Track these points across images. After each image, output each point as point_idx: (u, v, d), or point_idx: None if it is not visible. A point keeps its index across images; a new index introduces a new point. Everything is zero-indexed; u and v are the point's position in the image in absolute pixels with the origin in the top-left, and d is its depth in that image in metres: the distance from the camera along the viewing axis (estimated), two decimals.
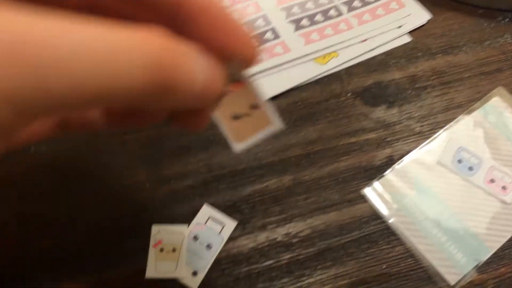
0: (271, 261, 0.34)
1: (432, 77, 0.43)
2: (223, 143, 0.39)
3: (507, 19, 0.48)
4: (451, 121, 0.41)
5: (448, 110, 0.41)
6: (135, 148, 0.38)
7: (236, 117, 0.19)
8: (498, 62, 0.45)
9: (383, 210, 0.36)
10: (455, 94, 0.42)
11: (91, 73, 0.12)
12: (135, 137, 0.38)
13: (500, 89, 0.42)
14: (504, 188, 0.37)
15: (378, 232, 0.35)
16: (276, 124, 0.19)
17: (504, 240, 0.35)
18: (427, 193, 0.37)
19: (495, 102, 0.42)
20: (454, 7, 0.48)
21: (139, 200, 0.35)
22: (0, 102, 0.11)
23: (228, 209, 0.35)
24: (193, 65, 0.15)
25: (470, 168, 0.38)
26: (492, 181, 0.37)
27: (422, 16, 0.47)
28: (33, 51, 0.11)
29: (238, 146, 0.19)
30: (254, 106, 0.19)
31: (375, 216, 0.36)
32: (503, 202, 0.37)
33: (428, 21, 0.47)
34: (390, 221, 0.35)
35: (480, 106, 0.41)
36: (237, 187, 0.37)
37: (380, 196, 0.36)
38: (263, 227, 0.35)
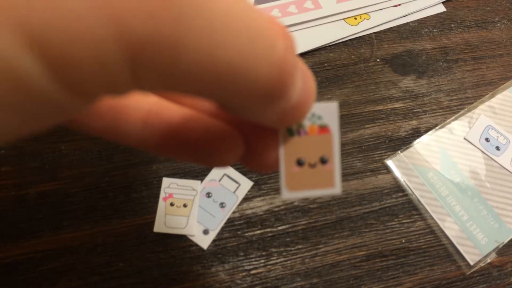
0: (286, 226, 0.32)
1: (465, 51, 0.41)
2: None
3: None
4: (481, 98, 0.39)
5: (479, 86, 0.40)
6: None
7: (300, 163, 0.17)
8: None
9: (406, 182, 0.34)
10: (486, 70, 0.40)
11: (242, 50, 0.10)
12: None
13: None
14: None
15: (400, 205, 0.34)
16: (337, 188, 0.17)
17: None
18: (452, 169, 0.35)
19: None
20: None
21: None
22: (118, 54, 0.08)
23: (244, 168, 0.33)
24: (299, 74, 0.12)
25: (497, 148, 0.36)
26: None
27: None
28: None
29: (287, 194, 0.16)
30: (324, 160, 0.17)
31: (397, 188, 0.34)
32: None
33: None
34: (412, 194, 0.34)
35: (511, 85, 0.40)
36: None
37: (404, 168, 0.35)
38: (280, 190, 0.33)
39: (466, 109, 0.38)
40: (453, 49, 0.41)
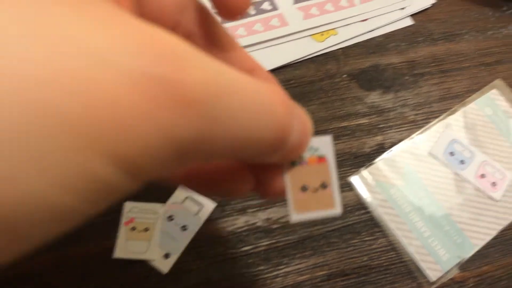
0: (249, 247, 0.32)
1: (432, 64, 0.41)
2: None
3: (511, 10, 0.46)
4: (447, 111, 0.39)
5: (445, 99, 0.40)
6: None
7: (304, 189, 0.20)
8: (499, 53, 0.43)
9: (369, 199, 0.35)
10: (453, 83, 0.41)
11: (249, 124, 0.13)
12: None
13: (499, 82, 0.41)
14: (494, 184, 0.36)
15: (362, 222, 0.34)
16: (337, 209, 0.20)
17: (489, 238, 0.34)
18: (416, 185, 0.35)
19: (493, 95, 0.40)
20: None
21: None
22: (163, 140, 0.11)
23: None
24: (296, 122, 0.15)
25: (462, 162, 0.37)
26: (482, 176, 0.36)
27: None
28: (213, 95, 0.11)
29: (296, 216, 0.19)
30: (324, 185, 0.20)
31: (360, 205, 0.35)
32: (492, 198, 0.36)
33: (432, 5, 0.44)
34: (375, 211, 0.34)
35: (477, 98, 0.40)
36: None
37: (367, 185, 0.35)
38: (243, 211, 0.33)
39: (431, 123, 0.38)
40: (420, 62, 0.41)
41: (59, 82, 0.09)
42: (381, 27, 0.42)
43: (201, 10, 0.19)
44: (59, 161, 0.09)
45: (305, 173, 0.20)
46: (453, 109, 0.39)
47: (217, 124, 0.11)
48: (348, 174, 0.36)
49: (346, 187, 0.35)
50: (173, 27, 0.18)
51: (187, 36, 0.18)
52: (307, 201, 0.20)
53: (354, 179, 0.35)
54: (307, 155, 0.20)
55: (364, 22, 0.42)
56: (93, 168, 0.10)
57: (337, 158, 0.36)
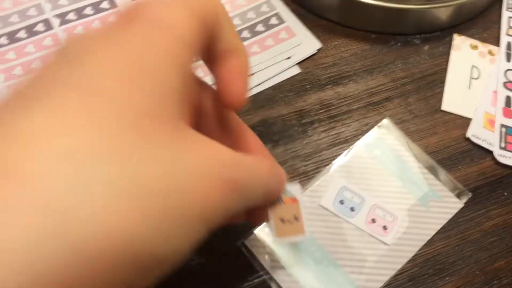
0: None
1: (320, 111, 0.42)
2: None
3: (399, 43, 0.47)
4: (337, 158, 0.40)
5: (334, 145, 0.41)
6: None
7: (282, 220, 0.28)
8: (387, 91, 0.44)
9: (260, 262, 0.35)
10: (342, 128, 0.42)
11: (255, 190, 0.22)
12: None
13: (387, 121, 0.42)
14: (385, 228, 0.37)
15: (256, 287, 0.34)
16: (306, 234, 0.28)
17: (380, 285, 0.35)
18: (307, 240, 0.36)
19: (381, 135, 0.41)
20: (346, 34, 0.47)
21: None
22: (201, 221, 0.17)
23: None
24: (274, 177, 0.25)
25: (352, 209, 0.37)
26: (373, 221, 0.37)
27: (312, 45, 0.45)
28: (242, 178, 0.19)
29: (278, 239, 0.28)
30: (296, 218, 0.29)
31: (251, 269, 0.35)
32: (384, 243, 0.36)
33: (318, 50, 0.45)
34: (267, 274, 0.34)
35: (366, 140, 0.41)
36: None
37: (258, 246, 0.35)
38: None
39: (321, 173, 0.39)
40: (309, 110, 0.42)
41: (179, 190, 0.16)
42: (268, 79, 0.43)
43: (215, 97, 0.24)
44: (187, 229, 0.17)
45: (283, 209, 0.28)
46: (343, 154, 0.40)
47: (247, 193, 0.20)
48: (241, 238, 0.36)
49: (239, 253, 0.35)
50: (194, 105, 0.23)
51: (202, 115, 0.24)
52: (285, 229, 0.28)
53: (244, 243, 0.35)
54: (284, 196, 0.28)
55: (251, 77, 0.43)
56: (199, 230, 0.17)
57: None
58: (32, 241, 0.12)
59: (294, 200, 0.29)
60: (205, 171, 0.17)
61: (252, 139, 0.27)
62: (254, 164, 0.21)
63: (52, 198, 0.12)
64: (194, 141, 0.18)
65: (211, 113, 0.25)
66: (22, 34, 0.42)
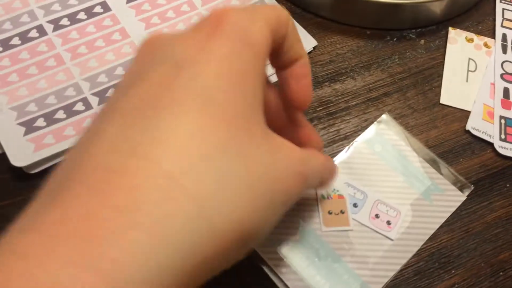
0: None
1: (319, 108, 0.42)
2: None
3: (395, 39, 0.47)
4: (337, 155, 0.39)
5: (334, 142, 0.40)
6: None
7: (330, 213, 0.35)
8: (386, 86, 0.44)
9: (265, 260, 0.34)
10: (341, 124, 0.41)
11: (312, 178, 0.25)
12: None
13: (386, 116, 0.42)
14: (388, 223, 0.36)
15: (258, 286, 0.34)
16: (351, 226, 0.35)
17: (387, 280, 0.34)
18: (311, 237, 0.35)
19: (381, 130, 0.41)
20: (341, 30, 0.47)
21: None
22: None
23: None
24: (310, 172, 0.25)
25: (355, 205, 0.37)
26: (377, 216, 0.37)
27: (307, 43, 0.45)
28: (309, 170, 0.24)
29: (325, 228, 0.34)
30: (343, 212, 0.36)
31: (255, 267, 0.34)
32: (388, 238, 0.36)
33: (315, 48, 0.45)
34: (271, 272, 0.34)
35: (366, 136, 0.40)
36: None
37: (262, 245, 0.35)
38: None
39: None
40: (308, 108, 0.42)
41: (275, 184, 0.20)
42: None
43: (279, 95, 0.28)
44: (277, 212, 0.22)
45: (330, 204, 0.36)
46: (343, 151, 0.40)
47: (309, 183, 0.24)
48: None
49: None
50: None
51: (268, 112, 0.25)
52: (331, 220, 0.35)
53: None
54: (331, 193, 0.36)
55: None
56: (282, 213, 0.22)
57: None
58: (188, 221, 0.16)
59: (341, 196, 0.36)
60: (290, 169, 0.21)
61: (312, 134, 0.30)
62: (315, 159, 0.25)
63: (201, 190, 0.16)
64: (278, 143, 0.22)
65: (276, 110, 0.28)
66: (15, 41, 0.41)
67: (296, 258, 0.35)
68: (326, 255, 0.35)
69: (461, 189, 0.38)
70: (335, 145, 0.40)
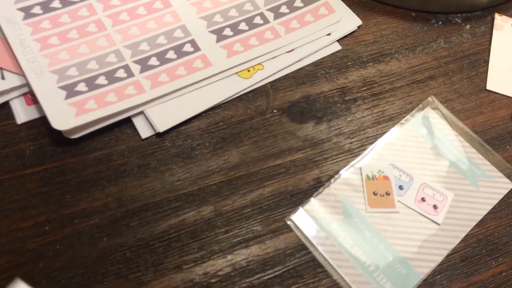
0: None
1: (363, 88, 0.41)
2: (135, 174, 0.35)
3: (440, 22, 0.46)
4: (382, 135, 0.38)
5: (379, 123, 0.39)
6: (33, 186, 0.34)
7: (375, 194, 0.35)
8: (431, 69, 0.43)
9: (309, 239, 0.33)
10: (386, 105, 0.40)
11: None
12: (33, 172, 0.34)
13: (432, 99, 0.41)
14: (435, 207, 0.35)
15: (304, 264, 0.33)
16: (396, 209, 0.34)
17: (434, 264, 0.33)
18: (356, 217, 0.34)
19: (427, 113, 0.40)
20: (386, 11, 0.46)
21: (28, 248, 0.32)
22: None
23: (140, 250, 0.32)
24: None
25: (401, 187, 0.36)
26: (423, 199, 0.36)
27: (352, 22, 0.44)
28: None
29: (370, 209, 0.34)
30: (388, 194, 0.35)
31: (301, 246, 0.33)
32: (435, 222, 0.35)
33: (359, 27, 0.44)
34: (316, 251, 0.33)
35: (411, 118, 0.39)
36: (151, 223, 0.33)
37: (306, 223, 0.34)
38: (178, 268, 0.32)
39: (367, 150, 0.38)
40: (351, 88, 0.41)
41: None
42: (309, 55, 0.42)
43: None
44: None
45: (376, 185, 0.35)
46: (388, 132, 0.39)
47: None
48: (285, 214, 0.34)
49: (285, 228, 0.34)
50: None
51: None
52: (376, 201, 0.35)
53: (292, 219, 0.34)
54: (376, 174, 0.36)
55: (291, 53, 0.42)
56: None
57: (273, 199, 0.35)
58: None
59: (386, 178, 0.35)
60: None
61: None
62: None
63: None
64: None
65: None
66: (56, 4, 0.40)
67: (340, 238, 0.34)
68: (372, 236, 0.34)
69: (508, 176, 0.37)
70: (379, 126, 0.39)
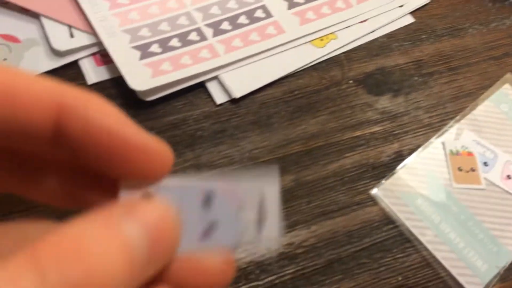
0: (273, 277, 0.29)
1: (439, 62, 0.39)
2: (212, 140, 0.33)
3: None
4: (462, 111, 0.37)
5: (458, 98, 0.38)
6: None
7: (460, 169, 0.33)
8: (506, 46, 0.41)
9: (395, 213, 0.32)
10: (463, 81, 0.39)
11: None
12: None
13: (510, 76, 0.39)
14: None
15: (391, 238, 0.31)
16: (483, 185, 0.33)
17: None
18: (442, 193, 0.33)
19: (506, 90, 0.38)
20: None
21: None
22: None
23: None
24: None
25: (485, 164, 0.34)
26: (509, 177, 0.34)
27: None
28: None
29: (456, 185, 0.32)
30: (473, 170, 0.33)
31: (387, 220, 0.32)
32: None
33: (431, 0, 0.42)
34: (403, 225, 0.32)
35: (491, 94, 0.38)
36: None
37: (391, 197, 0.32)
38: None
39: (448, 125, 0.36)
40: (427, 61, 0.39)
41: None
42: (381, 27, 0.40)
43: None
44: None
45: (460, 160, 0.33)
46: (468, 108, 0.37)
47: None
48: (369, 187, 0.33)
49: (369, 201, 0.32)
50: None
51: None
52: (461, 177, 0.33)
53: (377, 192, 0.33)
54: (460, 149, 0.34)
55: (364, 23, 0.40)
56: None
57: (355, 170, 0.33)
58: None
59: (470, 154, 0.34)
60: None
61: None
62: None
63: None
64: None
65: None
66: None
67: (427, 213, 0.32)
68: (459, 213, 0.32)
69: None
70: (458, 101, 0.37)
